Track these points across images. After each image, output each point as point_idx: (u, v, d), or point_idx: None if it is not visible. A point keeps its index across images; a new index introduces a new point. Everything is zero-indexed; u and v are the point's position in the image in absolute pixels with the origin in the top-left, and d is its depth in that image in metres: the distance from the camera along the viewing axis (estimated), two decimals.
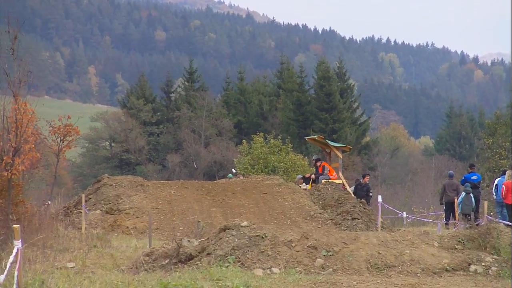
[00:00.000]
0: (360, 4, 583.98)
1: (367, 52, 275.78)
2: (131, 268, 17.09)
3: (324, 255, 16.70)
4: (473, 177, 29.43)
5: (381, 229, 25.24)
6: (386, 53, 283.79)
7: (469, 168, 30.74)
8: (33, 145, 19.76)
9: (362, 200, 29.32)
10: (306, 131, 74.12)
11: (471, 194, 28.30)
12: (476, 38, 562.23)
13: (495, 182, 28.33)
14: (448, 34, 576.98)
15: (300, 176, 34.10)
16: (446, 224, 28.68)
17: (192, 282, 14.16)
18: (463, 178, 29.76)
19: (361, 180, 33.00)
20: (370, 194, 31.65)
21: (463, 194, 28.43)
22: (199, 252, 16.84)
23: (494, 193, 27.99)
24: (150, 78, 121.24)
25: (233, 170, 46.75)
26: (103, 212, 27.12)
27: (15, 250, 11.97)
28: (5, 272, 11.50)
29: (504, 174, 28.50)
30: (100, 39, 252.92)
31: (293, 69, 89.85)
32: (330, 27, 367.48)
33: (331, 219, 26.72)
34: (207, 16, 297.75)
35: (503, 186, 27.06)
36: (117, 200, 27.73)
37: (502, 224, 22.04)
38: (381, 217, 27.72)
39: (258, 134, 51.65)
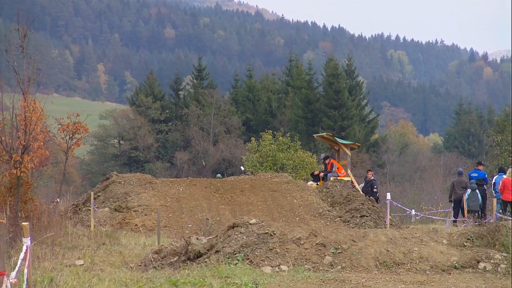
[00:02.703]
0: (369, 2, 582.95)
1: (376, 49, 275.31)
2: (140, 265, 17.13)
3: (333, 252, 16.70)
4: (473, 174, 29.51)
5: (389, 227, 25.22)
6: (395, 50, 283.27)
7: (476, 165, 30.80)
8: (42, 143, 19.80)
9: (371, 197, 29.30)
10: (315, 129, 74.16)
11: (477, 191, 28.37)
12: (485, 35, 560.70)
13: (493, 180, 28.47)
14: (457, 31, 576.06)
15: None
16: (455, 221, 28.69)
17: (201, 279, 14.19)
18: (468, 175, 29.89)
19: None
20: (375, 190, 31.51)
21: (469, 191, 28.53)
22: (207, 250, 16.86)
23: (494, 192, 28.11)
24: (159, 75, 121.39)
25: (242, 168, 46.76)
26: (111, 209, 27.15)
27: (24, 248, 12.01)
28: (16, 269, 11.54)
29: (502, 172, 28.64)
30: (109, 37, 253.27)
31: (302, 67, 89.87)
32: (339, 25, 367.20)
33: (340, 217, 26.70)
34: (216, 13, 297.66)
35: (500, 181, 27.29)
36: (126, 197, 27.77)
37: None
38: (390, 215, 27.70)
39: (267, 132, 51.66)
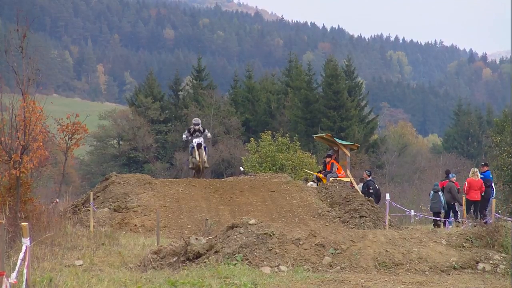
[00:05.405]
0: (369, 2, 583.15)
1: (376, 50, 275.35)
2: (139, 266, 17.13)
3: (332, 253, 16.71)
4: (481, 176, 29.61)
5: (389, 227, 25.23)
6: (395, 51, 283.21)
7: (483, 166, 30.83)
8: (42, 143, 19.80)
9: (370, 198, 29.30)
10: (314, 129, 74.21)
11: (440, 193, 28.81)
12: (484, 36, 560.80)
13: None
14: (456, 32, 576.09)
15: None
16: (444, 223, 28.97)
17: (200, 280, 14.20)
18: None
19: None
20: (371, 191, 31.42)
21: (432, 192, 29.04)
22: (207, 250, 16.86)
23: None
24: (159, 76, 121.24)
25: (241, 168, 46.76)
26: (111, 210, 27.14)
27: (23, 248, 12.01)
28: (16, 269, 11.54)
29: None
30: (109, 37, 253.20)
31: (301, 67, 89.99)
32: (338, 25, 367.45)
33: (339, 217, 26.69)
34: (216, 14, 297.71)
35: (466, 182, 27.81)
36: (125, 198, 27.76)
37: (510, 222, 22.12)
38: (389, 215, 27.71)
39: (266, 132, 51.66)
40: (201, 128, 27.66)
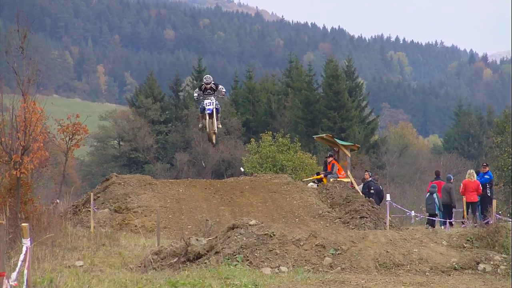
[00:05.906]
0: (369, 3, 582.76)
1: (376, 50, 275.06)
2: (140, 266, 17.13)
3: (333, 253, 16.71)
4: (485, 176, 29.65)
5: (389, 228, 25.23)
6: (395, 51, 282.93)
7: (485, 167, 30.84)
8: (42, 144, 19.80)
9: (371, 199, 29.27)
10: (315, 130, 74.13)
11: (434, 195, 28.93)
12: (485, 36, 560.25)
13: None
14: (457, 32, 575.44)
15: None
16: (444, 224, 29.01)
17: (201, 280, 14.20)
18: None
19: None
20: (372, 191, 31.36)
21: (428, 194, 29.19)
22: (207, 251, 16.86)
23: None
24: (159, 76, 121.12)
25: (242, 169, 46.77)
26: (111, 210, 27.15)
27: (24, 249, 12.01)
28: (17, 270, 11.54)
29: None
30: (109, 38, 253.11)
31: (301, 68, 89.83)
32: (339, 26, 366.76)
33: (340, 218, 26.70)
34: (216, 14, 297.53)
35: (462, 184, 28.04)
36: (126, 198, 27.77)
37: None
38: (390, 216, 27.71)
39: (267, 133, 51.69)
40: (213, 86, 26.46)
